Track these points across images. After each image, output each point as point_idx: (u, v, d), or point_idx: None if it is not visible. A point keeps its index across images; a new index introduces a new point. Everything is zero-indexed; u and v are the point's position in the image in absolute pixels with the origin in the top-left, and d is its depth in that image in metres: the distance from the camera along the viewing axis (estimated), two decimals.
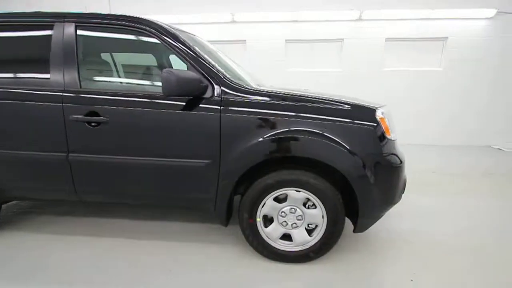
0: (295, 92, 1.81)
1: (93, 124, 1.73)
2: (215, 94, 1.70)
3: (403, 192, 1.86)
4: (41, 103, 1.76)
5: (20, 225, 2.31)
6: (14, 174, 1.91)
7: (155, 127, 1.73)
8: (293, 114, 1.66)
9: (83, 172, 1.83)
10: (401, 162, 1.76)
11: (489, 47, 4.92)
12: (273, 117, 1.65)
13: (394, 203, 1.80)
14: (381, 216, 1.80)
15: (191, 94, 1.64)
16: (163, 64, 2.36)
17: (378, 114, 1.69)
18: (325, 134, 1.63)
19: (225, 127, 1.66)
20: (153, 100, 1.73)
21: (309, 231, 1.81)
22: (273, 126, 1.65)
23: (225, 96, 1.70)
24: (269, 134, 1.64)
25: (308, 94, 1.83)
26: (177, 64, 1.94)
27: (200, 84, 1.64)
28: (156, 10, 5.45)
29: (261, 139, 1.64)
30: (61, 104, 1.74)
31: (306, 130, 1.63)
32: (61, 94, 1.76)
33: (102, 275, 1.72)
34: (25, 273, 1.73)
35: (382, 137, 1.67)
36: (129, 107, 1.72)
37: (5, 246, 2.01)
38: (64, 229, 2.25)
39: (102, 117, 1.71)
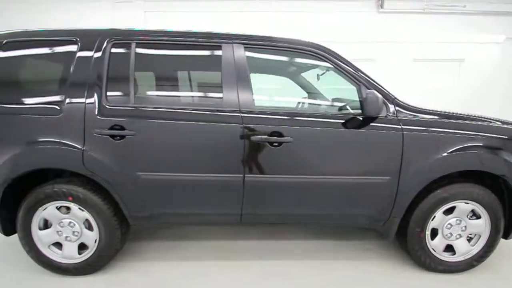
0: (453, 111, 1.94)
1: (275, 144, 1.72)
2: (390, 113, 1.79)
3: None
4: (218, 124, 1.71)
5: (144, 252, 2.14)
6: (175, 198, 1.79)
7: (336, 146, 1.76)
8: (466, 132, 1.79)
9: (256, 194, 1.77)
10: None
11: (499, 69, 5.62)
12: (450, 134, 1.77)
13: None
14: None
15: (380, 113, 1.71)
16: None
17: None
18: (500, 149, 1.78)
19: (407, 144, 1.74)
20: (330, 120, 1.77)
21: (468, 241, 1.91)
22: (451, 142, 1.76)
23: (400, 115, 1.79)
24: (451, 150, 1.75)
25: (462, 113, 1.97)
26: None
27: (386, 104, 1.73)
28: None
29: (444, 155, 1.74)
30: (241, 125, 1.71)
31: (481, 146, 1.78)
32: (240, 114, 1.73)
33: None
34: None
35: None
36: (312, 127, 1.74)
37: (136, 274, 1.89)
38: (201, 254, 2.13)
39: (287, 137, 1.71)
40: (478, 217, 1.87)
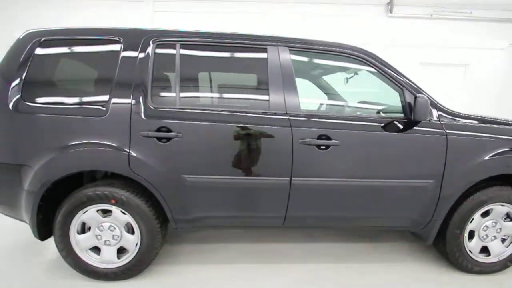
0: (489, 116, 2.01)
1: (322, 147, 1.72)
2: (434, 117, 1.82)
3: None
4: (265, 126, 1.70)
5: (176, 255, 2.11)
6: (220, 201, 1.78)
7: (381, 150, 1.77)
8: (505, 136, 1.83)
9: (302, 196, 1.77)
10: None
11: (503, 74, 5.78)
12: (491, 139, 1.81)
13: None
14: None
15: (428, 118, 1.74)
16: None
17: None
18: None
19: (451, 149, 1.77)
20: (375, 124, 1.78)
21: (502, 242, 1.95)
22: (492, 146, 1.81)
23: (443, 119, 1.82)
24: (492, 154, 1.79)
25: (496, 117, 2.03)
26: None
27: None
28: None
29: (486, 159, 1.78)
30: (289, 128, 1.71)
31: None
32: (288, 117, 1.73)
33: None
34: None
35: None
36: (358, 131, 1.75)
37: (174, 277, 1.85)
38: (235, 256, 2.11)
39: (334, 141, 1.71)
40: None
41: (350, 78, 2.41)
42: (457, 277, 1.95)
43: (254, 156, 1.72)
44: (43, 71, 1.77)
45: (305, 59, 1.87)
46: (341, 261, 2.10)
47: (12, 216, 1.88)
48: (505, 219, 1.94)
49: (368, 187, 1.79)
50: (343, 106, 2.14)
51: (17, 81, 1.70)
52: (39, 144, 1.68)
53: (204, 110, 1.73)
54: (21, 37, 1.79)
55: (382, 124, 1.78)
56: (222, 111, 1.73)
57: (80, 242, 1.77)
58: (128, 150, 1.66)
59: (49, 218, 1.81)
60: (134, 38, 1.76)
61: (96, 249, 1.82)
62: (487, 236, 1.91)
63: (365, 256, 2.19)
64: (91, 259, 1.80)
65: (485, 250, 1.96)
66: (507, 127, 1.92)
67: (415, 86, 1.83)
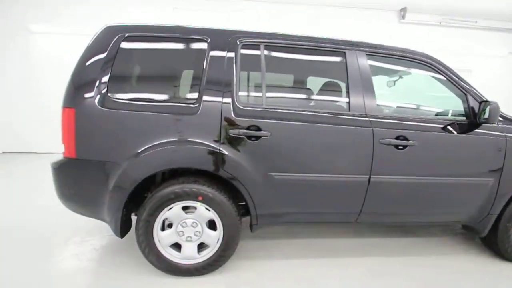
0: None
1: (400, 147, 1.83)
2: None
3: None
4: (348, 127, 1.79)
5: (246, 250, 2.15)
6: (302, 198, 1.84)
7: (451, 150, 1.91)
8: None
9: (377, 193, 1.88)
10: None
11: (502, 80, 6.21)
12: None
13: None
14: None
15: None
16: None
17: None
18: None
19: (509, 149, 1.95)
20: (444, 126, 1.92)
21: None
22: None
23: (501, 123, 1.99)
24: None
25: None
26: None
27: None
28: None
29: None
30: (371, 128, 1.81)
31: None
32: (368, 119, 1.82)
33: None
34: None
35: None
36: (431, 132, 1.87)
37: (253, 272, 1.89)
38: (302, 252, 2.19)
39: (412, 141, 1.83)
40: None
41: (395, 81, 2.55)
42: (506, 267, 2.11)
43: (338, 155, 1.81)
44: (129, 67, 1.76)
45: (379, 64, 1.97)
46: (399, 255, 2.22)
47: (86, 215, 1.86)
48: None
49: (437, 184, 1.92)
50: (413, 108, 2.29)
51: (103, 76, 1.69)
52: (128, 140, 1.68)
53: (290, 110, 1.79)
54: (102, 32, 1.77)
55: (449, 126, 1.93)
56: (306, 111, 1.80)
57: (163, 239, 1.78)
58: (219, 148, 1.70)
59: (126, 215, 1.82)
60: (220, 37, 1.79)
61: (175, 246, 1.84)
62: None
63: (414, 249, 2.33)
64: (172, 256, 1.82)
65: None
66: None
67: (477, 93, 1.98)
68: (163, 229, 1.81)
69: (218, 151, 1.70)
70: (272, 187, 1.78)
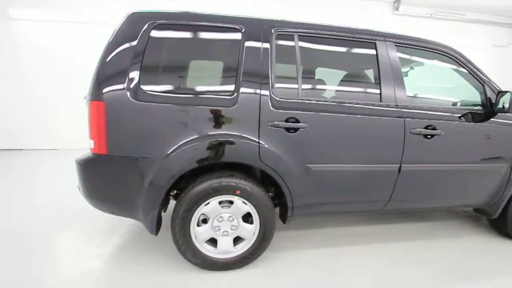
0: None
1: (428, 136, 1.90)
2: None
3: None
4: (382, 117, 1.82)
5: (276, 242, 2.16)
6: (336, 188, 1.87)
7: (473, 138, 2.01)
8: None
9: (406, 181, 1.94)
10: None
11: (485, 70, 6.56)
12: None
13: None
14: None
15: None
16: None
17: None
18: None
19: None
20: (466, 115, 2.01)
21: None
22: None
23: None
24: None
25: None
26: None
27: None
28: None
29: None
30: (402, 119, 1.85)
31: None
32: (399, 109, 1.86)
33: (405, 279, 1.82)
34: None
35: None
36: (455, 121, 1.96)
37: (289, 263, 1.91)
38: (330, 241, 2.23)
39: (439, 131, 1.90)
40: None
41: (408, 71, 2.62)
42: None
43: (371, 145, 1.84)
44: (161, 57, 1.66)
45: (407, 55, 2.01)
46: (419, 239, 2.33)
47: (117, 214, 1.77)
48: None
49: (459, 171, 2.03)
50: (437, 99, 2.37)
51: (134, 67, 1.59)
52: (164, 135, 1.60)
53: (326, 101, 1.79)
54: (128, 19, 1.65)
55: (469, 115, 2.02)
56: (342, 102, 1.81)
57: (199, 235, 1.75)
58: (258, 141, 1.67)
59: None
60: (255, 27, 1.73)
61: (210, 241, 1.82)
62: None
63: (429, 233, 2.46)
64: (209, 251, 1.79)
65: None
66: None
67: (494, 84, 2.08)
68: (197, 224, 1.78)
69: (257, 143, 1.67)
70: (309, 179, 1.79)
